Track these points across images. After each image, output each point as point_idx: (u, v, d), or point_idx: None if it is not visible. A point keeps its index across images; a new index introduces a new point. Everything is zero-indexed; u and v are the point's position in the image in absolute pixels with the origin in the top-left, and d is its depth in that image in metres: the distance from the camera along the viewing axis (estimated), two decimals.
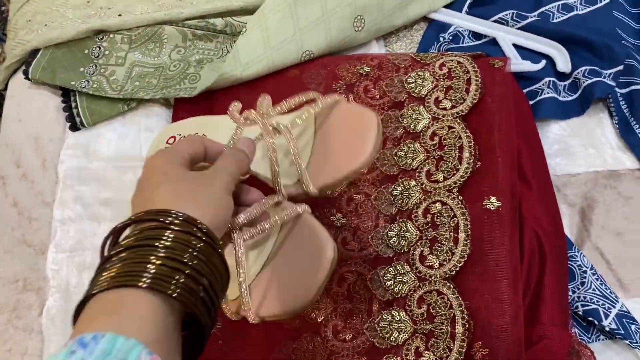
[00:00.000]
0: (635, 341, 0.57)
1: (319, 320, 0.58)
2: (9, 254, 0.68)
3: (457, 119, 0.64)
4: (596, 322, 0.58)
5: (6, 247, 0.68)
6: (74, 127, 0.74)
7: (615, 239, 0.64)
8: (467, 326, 0.55)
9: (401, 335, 0.56)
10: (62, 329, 0.63)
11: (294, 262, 0.49)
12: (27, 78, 0.76)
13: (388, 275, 0.59)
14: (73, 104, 0.75)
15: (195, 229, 0.35)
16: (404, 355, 0.55)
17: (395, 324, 0.56)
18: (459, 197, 0.60)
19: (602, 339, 0.59)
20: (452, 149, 0.63)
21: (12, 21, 0.84)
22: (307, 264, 0.48)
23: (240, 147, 0.48)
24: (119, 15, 0.78)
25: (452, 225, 0.59)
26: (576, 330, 0.59)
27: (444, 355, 0.54)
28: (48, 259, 0.67)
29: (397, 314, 0.57)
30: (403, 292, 0.58)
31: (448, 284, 0.57)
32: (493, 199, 0.60)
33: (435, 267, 0.58)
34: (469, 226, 0.59)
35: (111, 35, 0.77)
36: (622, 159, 0.68)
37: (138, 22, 0.76)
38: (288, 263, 0.49)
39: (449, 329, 0.55)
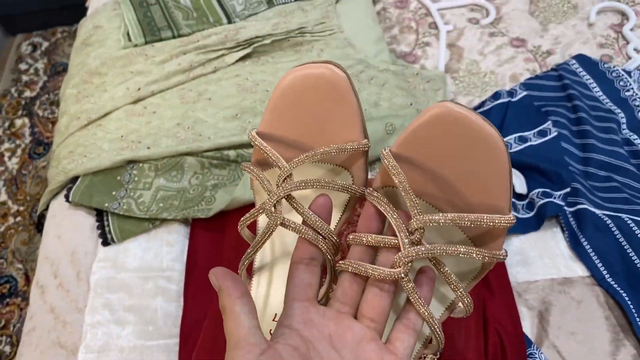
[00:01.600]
0: None
1: None
2: (45, 354, 0.78)
3: None
4: None
5: (42, 348, 0.78)
6: (106, 243, 0.86)
7: (569, 338, 0.73)
8: None
9: None
10: None
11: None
12: (67, 201, 0.90)
13: None
14: (105, 223, 0.88)
15: None
16: None
17: None
18: None
19: None
20: None
21: (56, 152, 1.00)
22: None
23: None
24: (148, 148, 0.93)
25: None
26: None
27: None
28: (78, 359, 0.77)
29: None
30: None
31: None
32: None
33: None
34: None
35: (140, 164, 0.92)
36: (574, 268, 0.79)
37: (163, 154, 0.91)
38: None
39: None
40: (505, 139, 0.92)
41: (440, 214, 0.40)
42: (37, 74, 2.05)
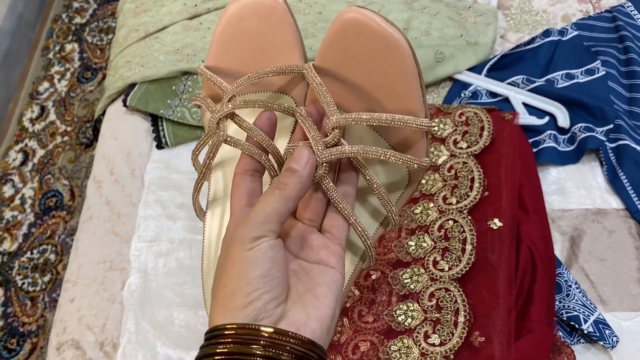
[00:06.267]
0: (608, 343, 0.68)
1: (347, 305, 0.72)
2: (101, 241, 0.84)
3: (471, 156, 0.79)
4: (577, 326, 0.69)
5: (98, 235, 0.84)
6: (160, 146, 0.91)
7: (598, 264, 0.76)
8: (468, 317, 0.67)
9: (413, 322, 0.69)
10: (138, 301, 0.78)
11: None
12: (125, 105, 0.95)
13: (406, 275, 0.72)
14: (160, 128, 0.92)
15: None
16: (415, 337, 0.67)
17: (409, 312, 0.69)
18: (468, 216, 0.74)
19: (583, 342, 0.71)
20: (465, 180, 0.77)
21: (114, 62, 1.04)
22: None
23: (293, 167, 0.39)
24: (202, 61, 0.96)
25: (461, 238, 0.73)
26: (561, 333, 0.71)
27: (447, 339, 0.66)
28: (131, 246, 0.83)
29: (411, 305, 0.70)
30: (417, 288, 0.71)
31: (454, 284, 0.70)
32: (496, 220, 0.73)
33: (445, 270, 0.71)
34: (475, 240, 0.72)
35: (194, 76, 0.96)
36: (609, 200, 0.81)
37: None
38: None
39: (453, 318, 0.68)
40: (551, 75, 0.93)
41: (354, 113, 0.40)
42: (87, 1, 2.09)
